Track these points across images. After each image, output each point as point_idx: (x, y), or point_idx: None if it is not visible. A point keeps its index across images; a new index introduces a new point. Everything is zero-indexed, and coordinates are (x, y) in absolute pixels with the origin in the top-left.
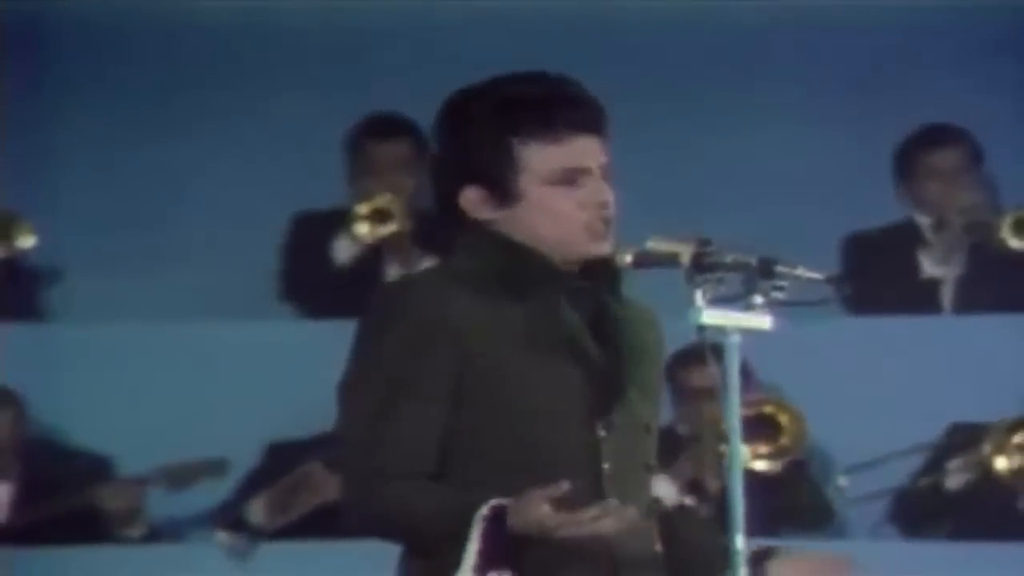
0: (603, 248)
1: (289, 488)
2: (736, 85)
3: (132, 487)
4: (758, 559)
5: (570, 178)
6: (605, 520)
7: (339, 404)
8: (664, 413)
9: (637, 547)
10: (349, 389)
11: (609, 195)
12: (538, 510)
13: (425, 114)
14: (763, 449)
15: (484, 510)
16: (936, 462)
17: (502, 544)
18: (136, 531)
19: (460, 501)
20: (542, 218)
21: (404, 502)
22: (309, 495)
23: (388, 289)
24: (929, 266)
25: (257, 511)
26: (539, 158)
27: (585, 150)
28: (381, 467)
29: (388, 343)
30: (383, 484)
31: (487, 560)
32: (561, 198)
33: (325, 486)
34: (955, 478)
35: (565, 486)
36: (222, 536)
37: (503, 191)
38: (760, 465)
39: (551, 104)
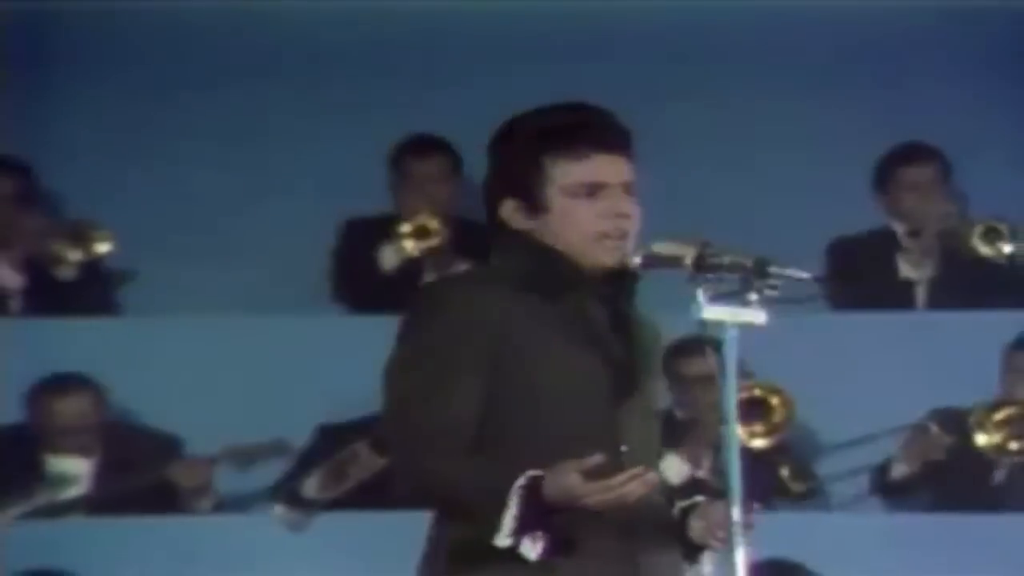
0: (614, 258)
1: (339, 465)
2: (736, 106)
3: (203, 465)
4: (684, 514)
5: (591, 192)
6: (631, 484)
7: (386, 385)
8: (664, 398)
9: (654, 515)
10: (395, 371)
11: (627, 207)
12: (570, 479)
13: (461, 129)
14: (757, 428)
15: (522, 480)
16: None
17: (537, 510)
18: (205, 504)
19: (499, 472)
20: (565, 227)
21: (449, 474)
22: (357, 471)
23: (431, 286)
24: (905, 269)
25: (311, 485)
26: (563, 173)
27: (605, 167)
28: (427, 441)
29: (431, 330)
30: (429, 457)
31: (523, 525)
32: (582, 209)
33: (371, 463)
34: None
35: (597, 458)
36: (279, 510)
37: (534, 202)
38: (756, 443)
39: (579, 127)
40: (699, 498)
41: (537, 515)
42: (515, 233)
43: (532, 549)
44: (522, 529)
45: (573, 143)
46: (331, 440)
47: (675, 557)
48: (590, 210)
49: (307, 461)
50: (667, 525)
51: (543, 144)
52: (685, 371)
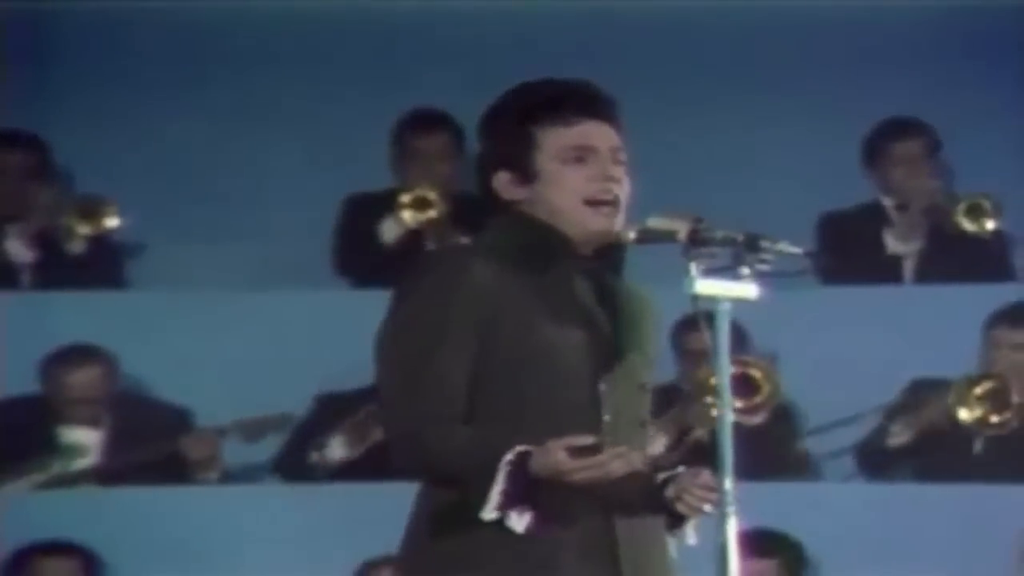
0: (606, 223)
1: (360, 424)
2: (728, 84)
3: (211, 437)
4: (665, 484)
5: (579, 156)
6: (615, 463)
7: (377, 354)
8: (671, 372)
9: (636, 485)
10: (386, 343)
11: (616, 172)
12: (556, 456)
13: (461, 106)
14: (739, 404)
15: (509, 455)
16: (898, 414)
17: (524, 485)
18: (212, 475)
19: (489, 446)
20: (555, 192)
21: (440, 446)
22: (374, 431)
23: (422, 259)
24: (893, 243)
25: (337, 446)
26: (551, 138)
27: (592, 132)
28: (419, 411)
29: (419, 303)
30: (422, 428)
31: (510, 499)
32: (571, 174)
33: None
34: (901, 433)
35: (585, 439)
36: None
37: (524, 170)
38: (741, 419)
39: (564, 95)
40: (680, 468)
41: (524, 490)
42: (506, 206)
43: (519, 522)
44: (508, 503)
45: (560, 110)
46: (329, 409)
47: (657, 527)
48: (579, 174)
49: (306, 432)
50: (649, 495)
51: (531, 115)
52: (688, 346)
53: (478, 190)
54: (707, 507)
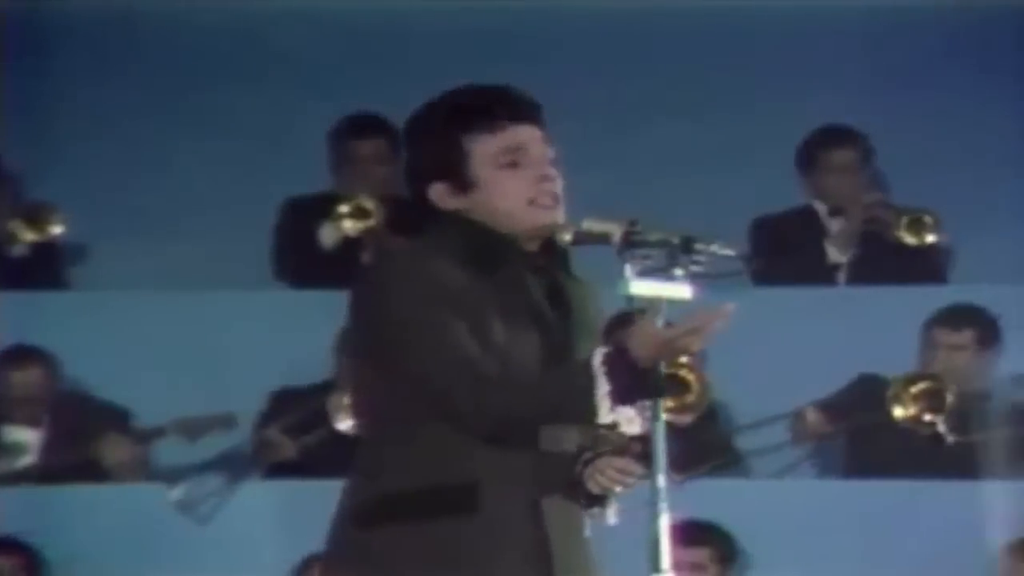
0: (552, 216)
1: (295, 424)
2: (668, 85)
3: (126, 441)
4: (584, 466)
5: (512, 160)
6: (717, 323)
7: (400, 345)
8: None
9: (561, 468)
10: (405, 331)
11: (550, 171)
12: (653, 326)
13: (401, 109)
14: (670, 404)
15: (599, 357)
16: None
17: (626, 379)
18: (139, 479)
19: (564, 368)
20: (495, 198)
21: (523, 389)
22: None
23: (393, 255)
24: (833, 253)
25: (274, 432)
26: (481, 146)
27: (522, 135)
28: (481, 375)
29: (416, 290)
30: (493, 387)
31: (620, 395)
32: (508, 179)
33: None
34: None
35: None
36: (177, 492)
37: (460, 180)
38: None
39: (490, 102)
40: (603, 450)
41: (627, 383)
42: (446, 214)
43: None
44: (619, 399)
45: (487, 116)
46: (285, 405)
47: (579, 515)
48: (516, 178)
49: (265, 425)
50: (571, 474)
51: (458, 123)
52: None
53: (412, 199)
54: (618, 488)
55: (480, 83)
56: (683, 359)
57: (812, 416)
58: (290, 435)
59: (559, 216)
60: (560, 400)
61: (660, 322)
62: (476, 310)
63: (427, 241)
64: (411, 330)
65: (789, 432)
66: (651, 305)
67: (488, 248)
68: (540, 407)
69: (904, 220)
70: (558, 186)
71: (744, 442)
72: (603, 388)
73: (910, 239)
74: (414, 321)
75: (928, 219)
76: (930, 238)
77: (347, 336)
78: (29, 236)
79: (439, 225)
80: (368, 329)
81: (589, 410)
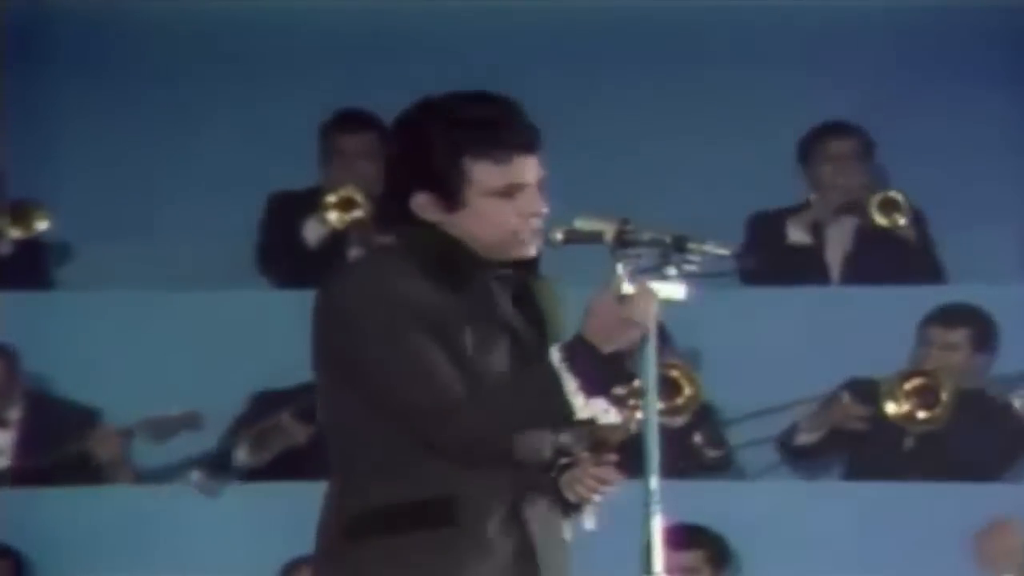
0: (528, 252)
1: (263, 433)
2: (659, 83)
3: (115, 436)
4: (563, 469)
5: (510, 192)
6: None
7: (366, 365)
8: None
9: (541, 474)
10: (371, 346)
11: (542, 207)
12: (601, 304)
13: (387, 106)
14: (660, 406)
15: (555, 356)
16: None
17: (589, 368)
18: (123, 475)
19: (524, 375)
20: (480, 224)
21: (491, 407)
22: (282, 440)
23: (355, 269)
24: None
25: (241, 452)
26: (485, 175)
27: (525, 168)
28: (447, 404)
29: (384, 303)
30: (460, 408)
31: (589, 387)
32: (500, 209)
33: (295, 432)
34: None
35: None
36: (196, 476)
37: (451, 200)
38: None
39: (499, 127)
40: (582, 455)
41: (591, 373)
42: (423, 223)
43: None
44: (591, 391)
45: (496, 145)
46: (264, 407)
47: (561, 523)
48: (507, 209)
49: (239, 428)
50: (551, 480)
51: (463, 142)
52: None
53: (389, 195)
54: (596, 497)
55: (480, 91)
56: (675, 361)
57: (847, 399)
58: (259, 442)
59: (534, 251)
60: (528, 410)
61: (608, 297)
62: (443, 323)
63: (395, 250)
64: (374, 348)
65: (819, 417)
66: (605, 284)
67: (459, 262)
68: (509, 424)
69: (876, 199)
70: (542, 220)
71: (736, 443)
72: (571, 384)
73: (881, 219)
74: (377, 338)
75: (900, 198)
76: (901, 220)
77: (312, 348)
78: (14, 233)
79: (412, 234)
80: (331, 343)
81: (563, 411)
